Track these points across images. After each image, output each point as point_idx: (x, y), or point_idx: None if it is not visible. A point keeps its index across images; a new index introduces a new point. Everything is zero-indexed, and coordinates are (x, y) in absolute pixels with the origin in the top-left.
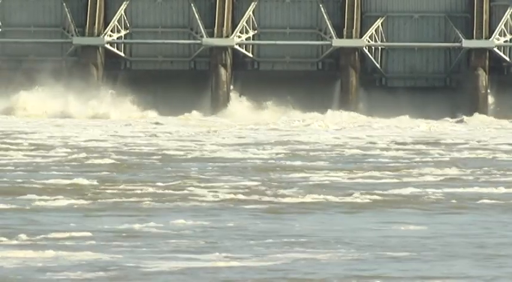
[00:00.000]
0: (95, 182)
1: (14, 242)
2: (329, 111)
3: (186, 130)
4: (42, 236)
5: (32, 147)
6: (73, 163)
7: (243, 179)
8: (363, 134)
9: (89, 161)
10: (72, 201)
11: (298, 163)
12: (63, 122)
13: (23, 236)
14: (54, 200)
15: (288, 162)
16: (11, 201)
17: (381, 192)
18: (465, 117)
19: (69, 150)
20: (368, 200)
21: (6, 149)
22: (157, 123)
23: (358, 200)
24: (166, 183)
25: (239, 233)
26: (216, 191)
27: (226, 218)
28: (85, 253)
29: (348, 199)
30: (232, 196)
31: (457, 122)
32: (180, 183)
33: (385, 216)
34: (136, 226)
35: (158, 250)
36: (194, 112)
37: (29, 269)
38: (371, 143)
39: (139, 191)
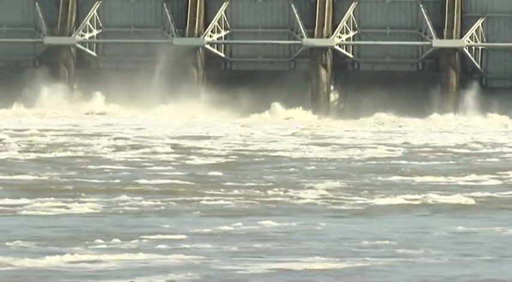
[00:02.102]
0: (189, 182)
1: (109, 244)
2: (434, 115)
3: (277, 131)
4: (136, 238)
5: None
6: (172, 163)
7: (337, 180)
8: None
9: (191, 162)
10: (165, 202)
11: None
12: (164, 123)
13: (117, 239)
14: (144, 201)
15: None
16: (107, 202)
17: None
18: None
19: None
20: None
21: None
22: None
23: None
24: (265, 183)
25: (331, 235)
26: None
27: (318, 220)
28: (177, 256)
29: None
30: (327, 195)
31: None
32: (277, 184)
33: None
34: (225, 228)
35: (249, 252)
36: (300, 110)
37: (120, 271)
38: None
39: (237, 191)
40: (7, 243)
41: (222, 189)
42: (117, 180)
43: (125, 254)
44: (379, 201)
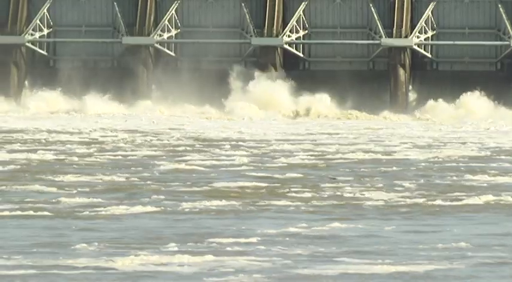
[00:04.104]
0: (263, 184)
1: (180, 247)
2: None
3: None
4: (206, 240)
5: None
6: (244, 167)
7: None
8: None
9: (271, 164)
10: (232, 204)
11: None
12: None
13: (188, 242)
14: (214, 203)
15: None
16: (174, 205)
17: None
18: None
19: (245, 152)
20: None
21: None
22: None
23: None
24: (339, 184)
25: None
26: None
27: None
28: (246, 258)
29: None
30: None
31: None
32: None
33: None
34: (293, 229)
35: (319, 254)
36: (386, 112)
37: (190, 274)
38: None
39: (306, 193)
40: (79, 245)
41: (294, 191)
42: (188, 182)
43: (195, 257)
44: (457, 202)
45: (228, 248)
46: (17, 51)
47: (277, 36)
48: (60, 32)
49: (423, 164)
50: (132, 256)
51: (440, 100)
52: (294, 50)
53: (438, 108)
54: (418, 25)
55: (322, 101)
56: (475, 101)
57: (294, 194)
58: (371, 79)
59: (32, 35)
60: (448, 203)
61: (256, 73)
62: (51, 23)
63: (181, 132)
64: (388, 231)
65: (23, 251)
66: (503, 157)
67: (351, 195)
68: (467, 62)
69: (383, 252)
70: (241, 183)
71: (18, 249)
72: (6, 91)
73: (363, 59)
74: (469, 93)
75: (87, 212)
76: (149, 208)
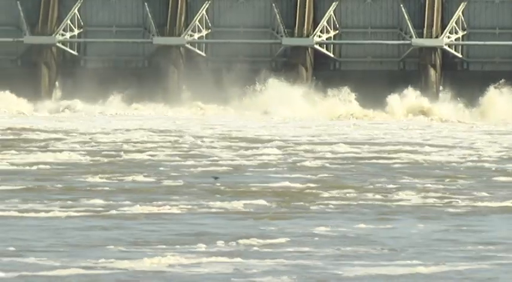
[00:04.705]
0: (303, 185)
1: (210, 247)
2: None
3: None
4: (235, 241)
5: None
6: (281, 167)
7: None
8: None
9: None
10: (267, 204)
11: None
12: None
13: (218, 242)
14: (247, 203)
15: None
16: (208, 204)
17: None
18: None
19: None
20: None
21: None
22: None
23: None
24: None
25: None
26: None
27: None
28: (278, 261)
29: None
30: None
31: None
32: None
33: None
34: (322, 229)
35: (348, 255)
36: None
37: (219, 275)
38: None
39: (337, 194)
40: (108, 247)
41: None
42: (218, 184)
43: (223, 257)
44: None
45: (256, 248)
46: (47, 51)
47: (307, 36)
48: (90, 32)
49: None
50: (159, 257)
51: (469, 100)
52: (324, 50)
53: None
54: (449, 25)
55: (352, 102)
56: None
57: (325, 194)
58: (401, 79)
59: (62, 35)
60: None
61: (288, 73)
62: (82, 23)
63: (222, 132)
64: (414, 233)
65: (54, 250)
66: None
67: (383, 196)
68: (498, 62)
69: (413, 253)
70: (277, 184)
71: (51, 248)
72: (38, 91)
73: (393, 59)
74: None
75: (120, 211)
76: (176, 209)
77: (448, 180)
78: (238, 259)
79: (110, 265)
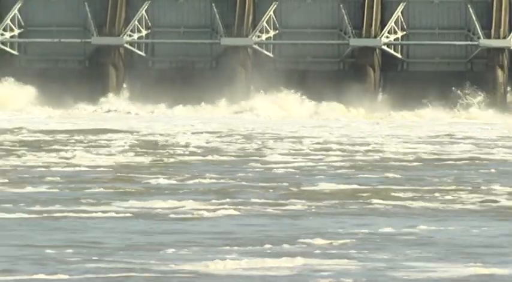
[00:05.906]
0: (358, 186)
1: (274, 249)
2: None
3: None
4: (296, 242)
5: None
6: (343, 170)
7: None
8: None
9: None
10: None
11: None
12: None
13: (286, 245)
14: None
15: None
16: (270, 205)
17: None
18: None
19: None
20: None
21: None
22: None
23: None
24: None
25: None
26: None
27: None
28: (336, 261)
29: None
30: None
31: None
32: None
33: None
34: (385, 230)
35: (411, 257)
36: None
37: (277, 277)
38: None
39: (401, 194)
40: (168, 250)
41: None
42: (285, 184)
43: (282, 258)
44: None
45: (317, 250)
46: (115, 52)
47: (375, 37)
48: (158, 33)
49: None
50: (218, 260)
51: None
52: (392, 51)
53: None
54: None
55: (422, 103)
56: None
57: (392, 194)
58: (469, 80)
59: (130, 36)
60: None
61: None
62: (149, 24)
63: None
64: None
65: (114, 253)
66: None
67: (450, 197)
68: None
69: (475, 254)
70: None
71: (109, 251)
72: (106, 92)
73: (461, 60)
74: None
75: (182, 214)
76: (233, 211)
77: None
78: (300, 260)
79: (172, 268)
